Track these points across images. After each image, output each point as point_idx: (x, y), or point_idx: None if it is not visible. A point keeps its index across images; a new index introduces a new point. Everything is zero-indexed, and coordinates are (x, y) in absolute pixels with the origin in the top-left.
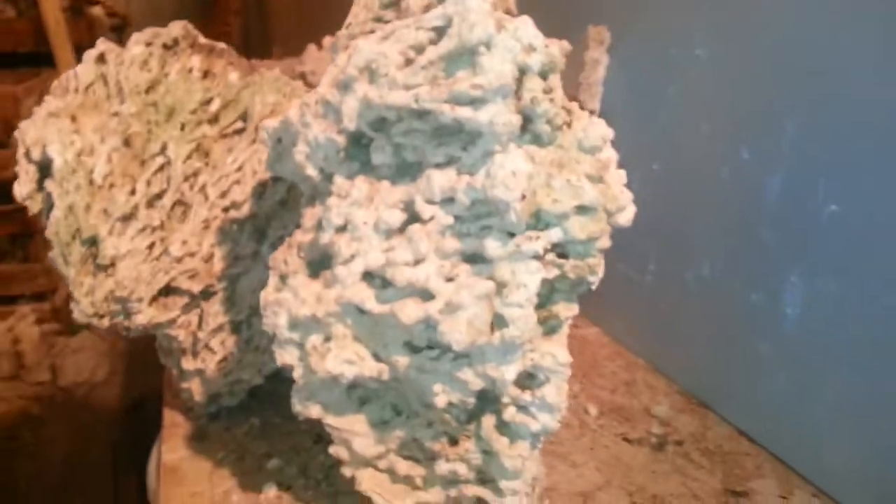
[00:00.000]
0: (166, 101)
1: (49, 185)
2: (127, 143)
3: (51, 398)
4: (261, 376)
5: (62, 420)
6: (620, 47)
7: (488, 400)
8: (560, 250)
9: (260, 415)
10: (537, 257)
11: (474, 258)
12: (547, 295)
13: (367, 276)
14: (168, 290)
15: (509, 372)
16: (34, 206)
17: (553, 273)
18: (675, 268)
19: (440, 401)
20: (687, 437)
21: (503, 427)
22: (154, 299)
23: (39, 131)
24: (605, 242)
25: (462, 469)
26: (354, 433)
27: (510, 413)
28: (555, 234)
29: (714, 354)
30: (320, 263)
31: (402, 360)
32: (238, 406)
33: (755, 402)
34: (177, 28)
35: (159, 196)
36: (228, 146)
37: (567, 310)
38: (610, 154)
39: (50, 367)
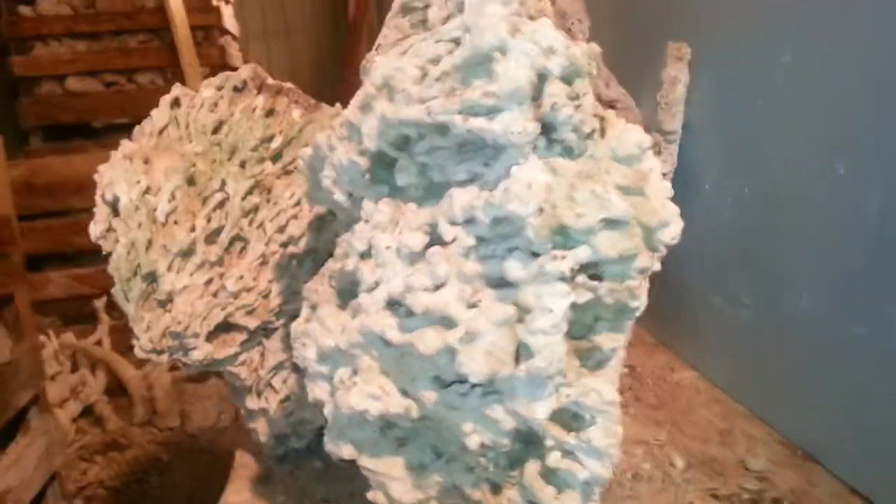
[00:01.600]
0: (229, 139)
1: (115, 222)
2: (191, 181)
3: (178, 444)
4: (325, 417)
5: (187, 464)
6: (703, 62)
7: (532, 443)
8: (593, 271)
9: (324, 457)
10: (564, 279)
11: (499, 282)
12: (589, 324)
13: (392, 304)
14: (227, 327)
15: (540, 409)
16: (107, 245)
17: (585, 297)
18: (771, 300)
19: (472, 441)
20: (786, 493)
21: (549, 474)
22: (212, 335)
23: (112, 173)
24: (645, 262)
25: None
26: (391, 477)
27: (554, 458)
28: (583, 253)
29: (819, 398)
30: (350, 292)
31: (430, 396)
32: (307, 448)
33: (868, 454)
34: (246, 71)
35: (218, 232)
36: (290, 182)
37: (611, 340)
38: (651, 164)
39: (180, 413)
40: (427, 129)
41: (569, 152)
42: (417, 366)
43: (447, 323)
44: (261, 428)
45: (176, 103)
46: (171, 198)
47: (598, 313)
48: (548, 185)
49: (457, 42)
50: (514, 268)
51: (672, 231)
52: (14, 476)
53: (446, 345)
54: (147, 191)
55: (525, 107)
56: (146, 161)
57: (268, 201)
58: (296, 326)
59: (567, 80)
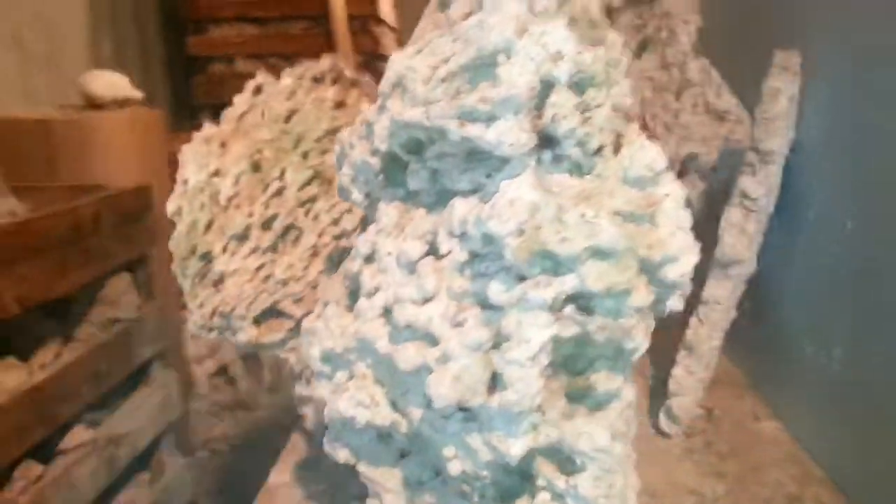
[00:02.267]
0: (296, 129)
1: (181, 201)
2: (256, 167)
3: None
4: None
5: None
6: (818, 74)
7: (527, 479)
8: (584, 304)
9: None
10: (548, 308)
11: (487, 303)
12: (591, 359)
13: (388, 312)
14: (275, 313)
15: (515, 446)
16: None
17: (571, 331)
18: (863, 355)
19: (453, 468)
20: None
21: None
22: (259, 320)
23: (188, 154)
24: (642, 300)
25: None
26: (386, 489)
27: (543, 499)
28: (569, 282)
29: None
30: (357, 295)
31: (416, 413)
32: None
33: None
34: (326, 62)
35: (273, 219)
36: None
37: (609, 381)
38: (668, 189)
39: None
40: (434, 133)
41: (578, 169)
42: (410, 379)
43: (431, 339)
44: (308, 414)
45: (258, 90)
46: (234, 182)
47: (600, 350)
48: (533, 203)
49: (469, 41)
50: (496, 290)
51: (681, 268)
52: (133, 422)
53: (424, 363)
54: (215, 174)
55: (521, 116)
56: (223, 145)
57: (326, 193)
58: (305, 323)
59: (579, 88)
